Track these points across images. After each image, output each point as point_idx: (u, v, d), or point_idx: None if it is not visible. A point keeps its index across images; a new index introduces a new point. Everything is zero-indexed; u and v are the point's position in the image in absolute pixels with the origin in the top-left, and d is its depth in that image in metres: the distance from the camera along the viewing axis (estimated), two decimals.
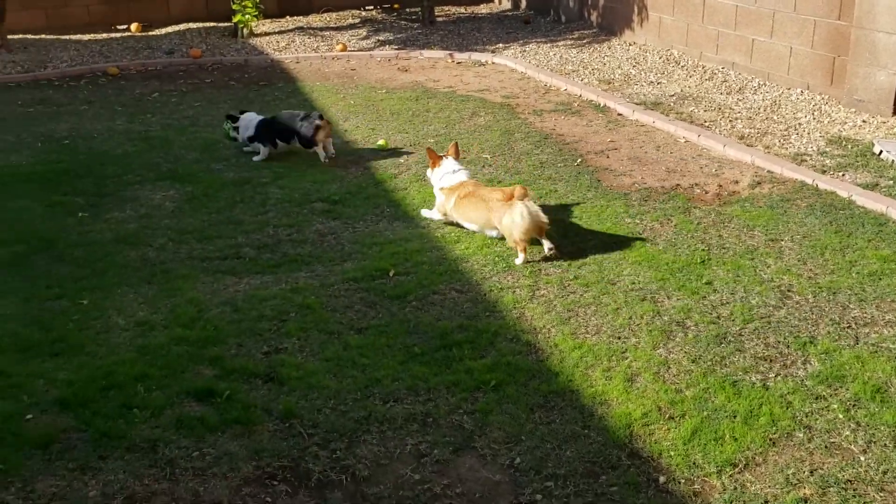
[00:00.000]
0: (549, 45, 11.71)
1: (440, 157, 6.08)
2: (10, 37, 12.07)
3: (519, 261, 5.32)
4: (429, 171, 6.19)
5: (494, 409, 3.89)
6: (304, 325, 4.62)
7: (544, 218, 5.35)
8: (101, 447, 3.65)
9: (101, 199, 6.50)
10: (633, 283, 5.06)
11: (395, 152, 7.53)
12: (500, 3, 15.41)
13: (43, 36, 12.74)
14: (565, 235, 5.71)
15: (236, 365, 4.24)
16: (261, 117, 7.53)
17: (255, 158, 7.45)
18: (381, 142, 7.64)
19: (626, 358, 4.30)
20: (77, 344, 4.44)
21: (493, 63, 11.06)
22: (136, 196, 6.58)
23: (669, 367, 4.21)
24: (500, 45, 11.91)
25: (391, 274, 5.21)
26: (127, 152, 7.63)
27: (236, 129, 7.59)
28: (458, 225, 5.86)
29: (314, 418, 3.84)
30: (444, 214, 5.91)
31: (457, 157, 6.10)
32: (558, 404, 3.94)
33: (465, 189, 5.74)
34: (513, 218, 5.29)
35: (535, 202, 5.47)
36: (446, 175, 5.94)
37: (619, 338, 4.48)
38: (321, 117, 7.31)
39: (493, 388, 4.03)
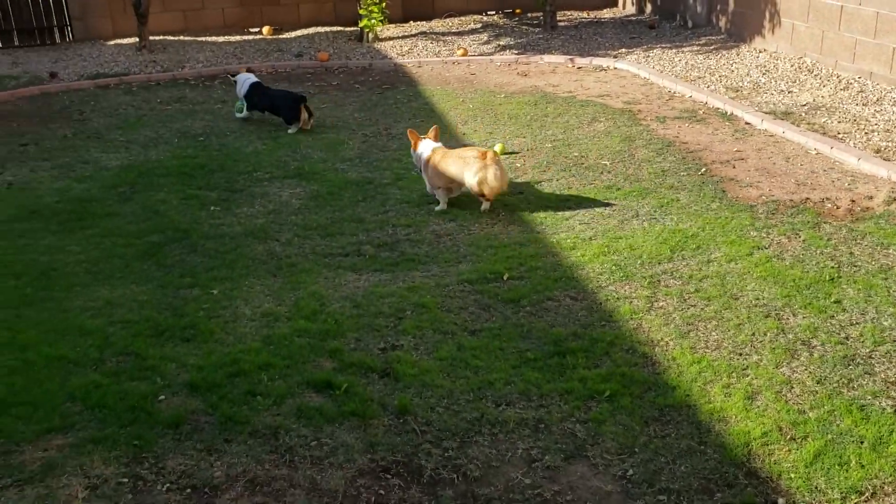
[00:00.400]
0: (674, 50, 11.46)
1: (420, 139, 6.66)
2: (151, 38, 12.82)
3: (484, 207, 6.31)
4: (412, 152, 6.72)
5: (608, 419, 3.85)
6: (419, 324, 4.71)
7: (506, 182, 6.30)
8: (227, 430, 3.83)
9: (232, 194, 6.82)
10: (757, 298, 4.90)
11: (512, 156, 7.56)
12: (623, 7, 15.19)
13: (181, 37, 13.47)
14: (685, 247, 5.58)
15: (354, 359, 4.36)
16: (254, 80, 8.79)
17: (238, 115, 8.96)
18: (498, 146, 7.68)
19: (747, 375, 4.17)
20: (207, 331, 4.67)
21: (615, 68, 10.92)
22: (265, 192, 6.86)
23: (792, 387, 4.06)
24: (623, 49, 11.75)
25: (505, 277, 5.23)
26: (257, 150, 7.97)
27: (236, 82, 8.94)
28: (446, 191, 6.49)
29: (427, 416, 3.91)
30: (440, 186, 6.45)
31: (436, 140, 6.63)
32: (674, 418, 3.86)
33: (438, 154, 6.43)
34: (486, 176, 6.12)
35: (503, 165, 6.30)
36: (429, 152, 6.55)
37: (741, 354, 4.35)
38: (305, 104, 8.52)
39: (608, 398, 3.99)
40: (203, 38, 13.39)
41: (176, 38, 13.37)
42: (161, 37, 13.34)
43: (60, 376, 4.26)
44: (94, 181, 7.20)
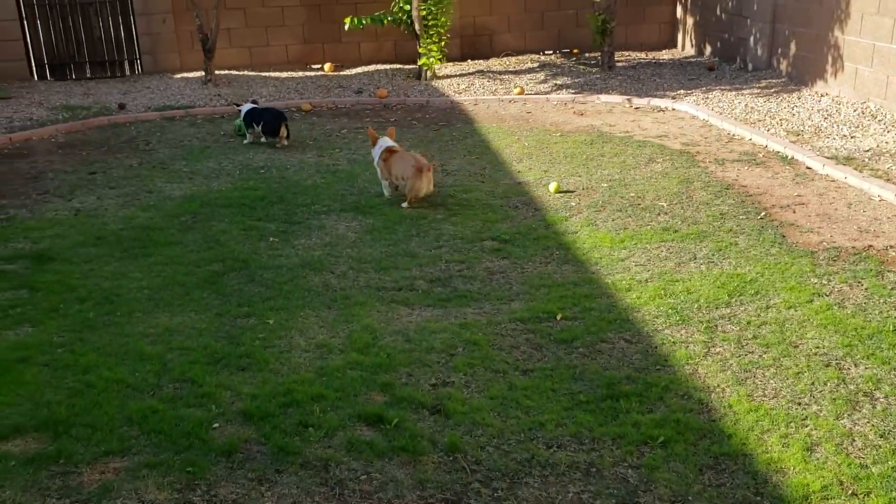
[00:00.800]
0: (733, 93, 11.37)
1: (378, 137, 7.74)
2: (217, 72, 13.20)
3: (405, 205, 7.40)
4: (372, 150, 7.77)
5: (661, 465, 3.78)
6: (470, 361, 4.70)
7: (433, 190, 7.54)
8: (278, 461, 3.86)
9: (290, 226, 6.94)
10: (818, 347, 4.78)
11: (567, 195, 7.55)
12: (682, 49, 15.16)
13: (245, 72, 13.84)
14: (744, 292, 5.49)
15: (405, 394, 4.37)
16: (252, 106, 9.85)
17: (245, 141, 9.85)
18: (553, 185, 7.68)
19: (807, 426, 4.06)
20: (262, 360, 4.74)
21: (674, 109, 10.87)
22: (322, 225, 6.97)
23: (854, 440, 3.94)
24: (682, 91, 11.70)
25: (558, 317, 5.21)
26: (316, 183, 8.11)
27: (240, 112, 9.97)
28: (395, 188, 7.62)
29: (478, 455, 3.89)
30: (387, 178, 7.61)
31: (392, 139, 7.74)
32: (729, 467, 3.78)
33: (389, 152, 7.55)
34: (421, 184, 7.29)
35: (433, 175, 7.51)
36: (381, 149, 7.62)
37: (800, 404, 4.25)
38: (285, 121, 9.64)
39: (661, 444, 3.92)
40: (266, 74, 13.75)
41: (240, 73, 13.75)
42: (226, 71, 13.74)
43: (119, 400, 4.36)
44: (157, 210, 7.40)
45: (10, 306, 5.51)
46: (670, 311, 5.27)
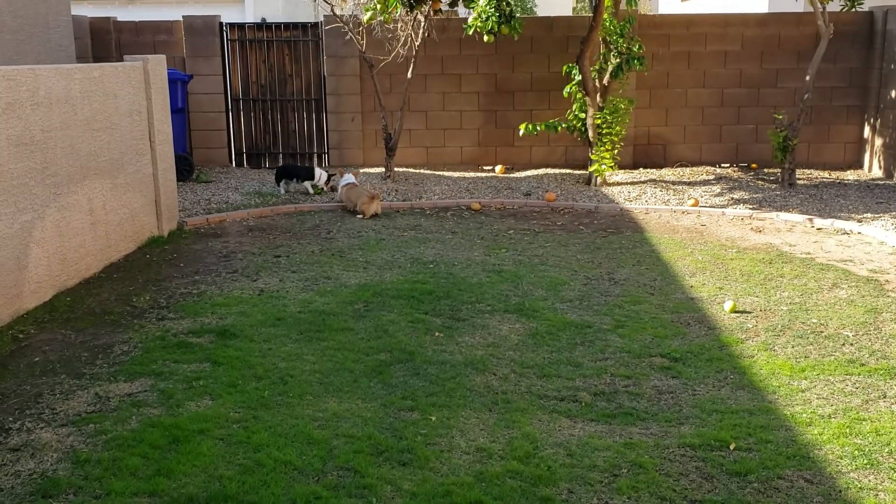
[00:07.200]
0: None
1: (345, 173, 12.02)
2: (396, 169, 13.88)
3: (360, 216, 11.25)
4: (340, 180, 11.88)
5: None
6: (635, 485, 4.51)
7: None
8: None
9: (455, 322, 7.05)
10: None
11: (743, 316, 7.24)
12: (870, 170, 14.44)
13: (421, 170, 14.46)
14: None
15: None
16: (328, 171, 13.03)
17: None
18: (729, 304, 7.39)
19: None
20: (423, 457, 4.76)
21: (859, 233, 10.29)
22: (486, 324, 7.03)
23: None
24: (868, 214, 11.08)
25: (731, 447, 4.92)
26: (481, 282, 8.24)
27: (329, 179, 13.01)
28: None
29: None
30: (344, 201, 11.59)
31: (355, 178, 11.82)
32: None
33: (351, 185, 11.67)
34: (371, 207, 11.22)
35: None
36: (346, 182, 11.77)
37: None
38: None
39: None
40: (440, 172, 14.31)
41: (417, 171, 14.39)
42: (404, 168, 14.43)
43: (286, 482, 4.50)
44: (333, 296, 7.75)
45: (194, 378, 5.88)
46: (857, 452, 4.86)
